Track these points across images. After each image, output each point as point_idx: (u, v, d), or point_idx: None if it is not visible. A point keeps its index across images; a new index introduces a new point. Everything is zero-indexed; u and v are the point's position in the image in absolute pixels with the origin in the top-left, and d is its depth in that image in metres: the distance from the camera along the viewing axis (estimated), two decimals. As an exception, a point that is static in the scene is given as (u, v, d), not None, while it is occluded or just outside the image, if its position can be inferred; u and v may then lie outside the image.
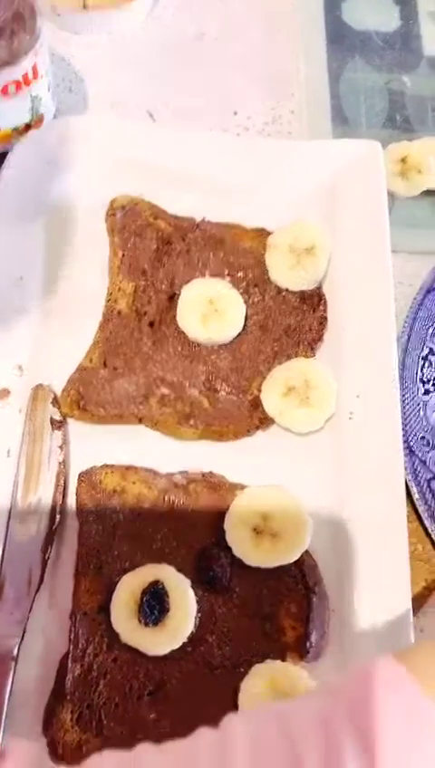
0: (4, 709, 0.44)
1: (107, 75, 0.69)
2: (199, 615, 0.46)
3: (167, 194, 0.59)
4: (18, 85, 0.57)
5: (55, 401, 0.53)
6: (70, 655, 0.45)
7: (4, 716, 0.43)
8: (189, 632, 0.45)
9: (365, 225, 0.57)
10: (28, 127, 0.60)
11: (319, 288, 0.56)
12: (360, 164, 0.59)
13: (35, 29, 0.56)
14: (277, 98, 0.70)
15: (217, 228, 0.58)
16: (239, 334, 0.55)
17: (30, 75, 0.57)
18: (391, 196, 0.62)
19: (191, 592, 0.46)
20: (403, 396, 0.54)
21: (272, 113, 0.69)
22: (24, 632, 0.46)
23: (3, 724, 0.43)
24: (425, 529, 0.51)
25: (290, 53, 0.71)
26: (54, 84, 0.63)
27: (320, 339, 0.55)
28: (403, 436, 0.51)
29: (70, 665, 0.45)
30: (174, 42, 0.71)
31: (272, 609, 0.47)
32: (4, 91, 0.56)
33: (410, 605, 0.46)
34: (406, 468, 0.51)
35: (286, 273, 0.56)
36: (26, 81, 0.57)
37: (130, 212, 0.57)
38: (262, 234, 0.57)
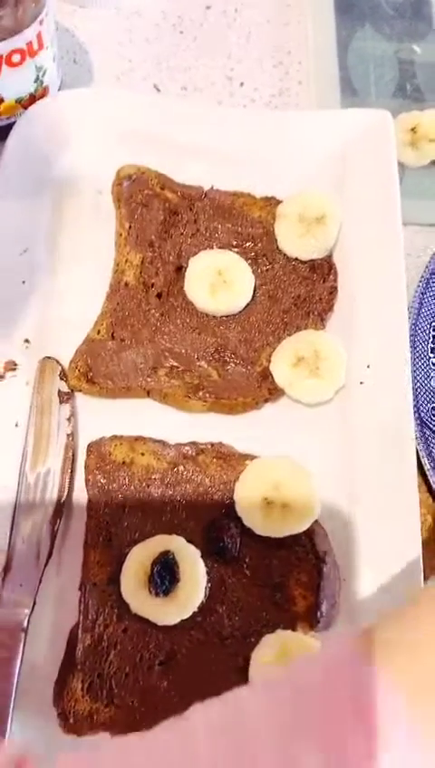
0: (15, 680, 0.44)
1: (112, 47, 0.68)
2: (209, 585, 0.46)
3: (174, 166, 0.59)
4: (23, 55, 0.56)
5: (63, 374, 0.52)
6: (80, 625, 0.45)
7: (15, 687, 0.43)
8: (200, 602, 0.45)
9: (376, 195, 0.56)
10: (33, 98, 0.60)
11: (329, 257, 0.55)
12: (370, 133, 0.58)
13: (40, -4, 0.55)
14: (285, 69, 0.69)
15: (226, 197, 0.57)
16: (248, 305, 0.54)
17: (35, 45, 0.56)
18: (401, 166, 0.61)
19: (201, 563, 0.46)
20: (414, 366, 0.53)
21: (279, 85, 0.68)
22: (33, 604, 0.46)
23: (14, 694, 0.43)
24: (436, 500, 0.51)
25: (298, 23, 0.70)
26: (59, 56, 0.62)
27: (330, 309, 0.54)
28: (414, 406, 0.50)
29: (80, 635, 0.45)
30: (180, 13, 0.70)
31: (282, 578, 0.47)
32: (9, 60, 0.55)
33: (421, 574, 0.46)
34: (417, 439, 0.50)
35: (296, 243, 0.55)
36: (31, 52, 0.56)
37: (136, 181, 0.57)
38: (271, 202, 0.57)
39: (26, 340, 0.53)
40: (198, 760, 0.30)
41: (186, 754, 0.31)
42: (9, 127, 0.58)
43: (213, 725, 0.31)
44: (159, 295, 0.54)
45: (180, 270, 0.55)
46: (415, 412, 0.51)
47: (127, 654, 0.45)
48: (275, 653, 0.44)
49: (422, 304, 0.56)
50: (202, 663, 0.45)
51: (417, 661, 0.32)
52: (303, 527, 0.47)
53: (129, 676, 0.45)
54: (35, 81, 0.59)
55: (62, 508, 0.48)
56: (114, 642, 0.45)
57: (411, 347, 0.53)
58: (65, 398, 0.52)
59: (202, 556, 0.46)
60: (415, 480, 0.48)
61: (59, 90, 0.63)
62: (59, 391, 0.52)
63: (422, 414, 0.52)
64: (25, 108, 0.59)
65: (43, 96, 0.60)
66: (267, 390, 0.52)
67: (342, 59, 0.68)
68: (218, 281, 0.53)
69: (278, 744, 0.30)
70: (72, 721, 0.44)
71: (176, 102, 0.63)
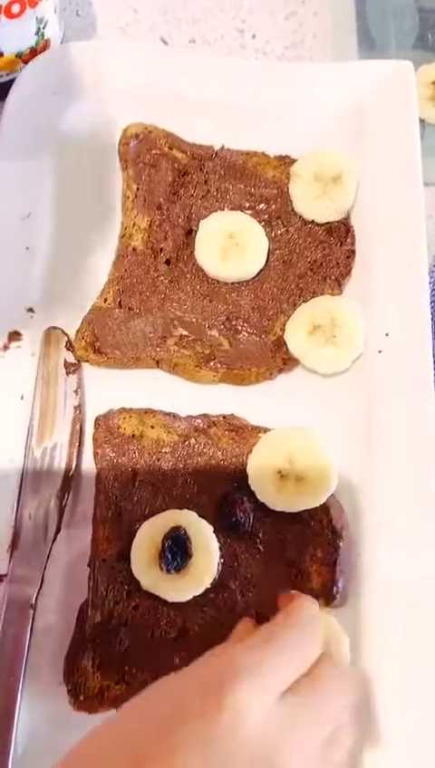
0: (25, 657, 0.43)
1: (116, -2, 0.65)
2: (222, 561, 0.45)
3: (183, 123, 0.56)
4: (22, 5, 0.53)
5: (69, 344, 0.50)
6: (90, 602, 0.44)
7: (24, 664, 0.43)
8: (212, 578, 0.44)
9: (395, 153, 0.53)
10: (34, 52, 0.57)
11: (346, 219, 0.53)
12: (389, 86, 0.55)
13: None
14: (299, 20, 0.65)
15: (237, 156, 0.54)
16: (261, 270, 0.52)
17: (34, -6, 0.53)
18: (422, 122, 0.58)
19: (214, 538, 0.44)
20: (435, 334, 0.51)
21: (293, 37, 0.65)
22: (42, 580, 0.45)
23: (24, 671, 0.43)
24: (457, 473, 0.49)
25: (313, -29, 0.66)
26: (61, 7, 0.59)
27: (347, 273, 0.52)
28: (435, 375, 0.48)
29: (90, 612, 0.44)
30: (188, -39, 0.66)
31: (297, 554, 0.45)
32: (8, 10, 0.52)
33: (440, 550, 0.44)
34: (438, 409, 0.48)
35: (312, 204, 0.52)
36: (31, 2, 0.53)
37: (144, 141, 0.54)
38: (285, 162, 0.54)
39: (30, 310, 0.51)
40: None
41: None
42: (9, 83, 0.56)
43: None
44: (167, 261, 0.52)
45: (190, 234, 0.53)
46: (436, 382, 0.49)
47: (138, 631, 0.44)
48: (290, 630, 0.43)
49: (444, 269, 0.54)
50: (215, 640, 0.43)
51: None
52: (318, 501, 0.45)
53: (140, 653, 0.44)
54: (36, 34, 0.56)
55: (69, 483, 0.47)
56: (125, 619, 0.44)
57: (432, 314, 0.51)
58: (72, 369, 0.50)
59: (215, 531, 0.45)
60: (435, 452, 0.47)
61: (61, 43, 0.60)
62: (65, 362, 0.50)
63: (443, 384, 0.50)
64: (26, 62, 0.56)
65: (44, 50, 0.58)
66: (281, 360, 0.50)
67: (359, 9, 0.64)
68: (230, 244, 0.51)
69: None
70: (82, 698, 0.43)
71: (184, 55, 0.60)
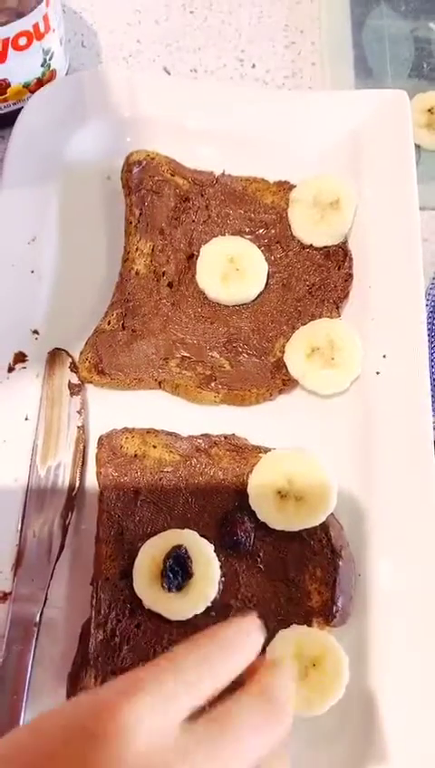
0: (28, 675, 0.43)
1: (121, 29, 0.67)
2: (223, 580, 0.45)
3: (185, 150, 0.57)
4: (29, 37, 0.54)
5: (73, 365, 0.51)
6: (92, 621, 0.45)
7: (27, 682, 0.43)
8: (213, 597, 0.44)
9: (392, 179, 0.55)
10: (40, 82, 0.58)
11: (344, 244, 0.54)
12: (386, 114, 0.57)
13: (45, -22, 0.53)
14: (298, 49, 0.67)
15: (238, 182, 0.56)
16: (261, 293, 0.53)
17: (41, 27, 0.55)
18: (418, 148, 0.60)
19: (215, 557, 0.45)
20: (431, 356, 0.52)
21: (292, 66, 0.66)
22: (45, 599, 0.45)
23: (27, 690, 0.43)
24: (455, 492, 0.50)
25: (310, 2, 0.68)
26: (67, 39, 0.61)
27: (345, 296, 0.53)
28: (432, 396, 0.49)
29: (93, 631, 0.44)
30: (190, -7, 0.68)
31: (297, 573, 0.46)
32: (15, 43, 0.54)
33: (440, 569, 0.45)
34: (435, 429, 0.49)
35: (310, 229, 0.53)
36: (37, 34, 0.55)
37: (146, 167, 0.55)
38: (284, 187, 0.55)
39: (35, 332, 0.52)
40: None
41: None
42: (17, 112, 0.57)
43: None
44: (170, 284, 0.53)
45: (192, 258, 0.54)
46: (433, 402, 0.49)
47: (140, 649, 0.44)
48: (291, 649, 0.43)
49: (440, 291, 0.55)
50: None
51: None
52: (318, 521, 0.46)
53: (142, 671, 0.44)
54: (42, 65, 0.58)
55: (73, 502, 0.48)
56: (127, 638, 0.45)
57: (429, 335, 0.52)
58: (76, 389, 0.51)
59: (215, 550, 0.45)
60: (433, 472, 0.47)
61: (67, 73, 0.61)
62: (69, 383, 0.51)
63: (440, 404, 0.51)
64: (33, 92, 0.58)
65: (50, 80, 0.59)
66: (281, 381, 0.51)
67: (356, 38, 0.66)
68: (230, 269, 0.52)
69: None
70: (85, 717, 0.43)
71: (186, 84, 0.61)
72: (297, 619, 0.45)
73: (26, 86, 0.58)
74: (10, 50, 0.54)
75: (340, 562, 0.45)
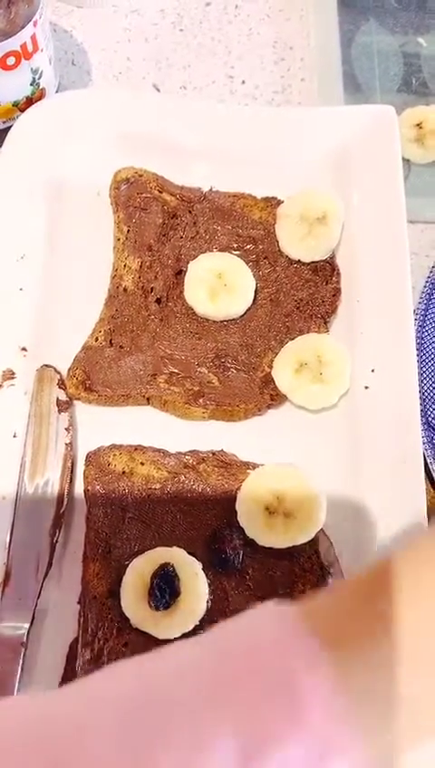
0: (15, 695, 0.43)
1: (111, 47, 0.67)
2: (211, 598, 0.45)
3: (173, 167, 0.57)
4: (17, 57, 0.55)
5: (61, 382, 0.51)
6: (79, 640, 0.44)
7: (14, 702, 0.43)
8: (201, 615, 0.44)
9: (380, 193, 0.55)
10: (30, 101, 0.59)
11: (332, 258, 0.54)
12: (374, 130, 0.57)
13: (34, -1, 0.54)
14: (287, 66, 0.67)
15: (225, 198, 0.56)
16: (249, 309, 0.53)
17: (29, 47, 0.55)
18: (407, 162, 0.60)
19: (202, 575, 0.45)
20: (421, 370, 0.52)
21: (281, 82, 0.67)
22: (33, 617, 0.45)
23: (13, 709, 0.43)
24: (445, 507, 0.50)
25: (300, 18, 0.69)
26: (56, 57, 0.61)
27: (333, 311, 0.53)
28: (421, 411, 0.49)
29: (80, 650, 0.44)
30: (180, 11, 0.69)
31: (286, 590, 0.45)
32: (3, 63, 0.54)
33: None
34: (424, 444, 0.49)
35: (298, 244, 0.53)
36: (26, 54, 0.55)
37: (134, 184, 0.55)
38: (272, 203, 0.55)
39: (23, 348, 0.52)
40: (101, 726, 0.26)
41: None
42: (6, 131, 0.58)
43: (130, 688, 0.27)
44: (158, 300, 0.53)
45: (180, 274, 0.54)
46: (422, 417, 0.49)
47: (127, 669, 0.44)
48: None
49: (429, 305, 0.55)
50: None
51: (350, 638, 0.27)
52: (307, 537, 0.46)
53: (129, 691, 0.44)
54: (32, 84, 0.58)
55: (61, 519, 0.48)
56: (115, 657, 0.44)
57: (418, 349, 0.52)
58: (64, 406, 0.51)
59: (204, 568, 0.45)
60: (423, 487, 0.47)
61: (57, 91, 0.62)
62: (57, 400, 0.51)
63: (430, 419, 0.51)
64: (22, 111, 0.58)
65: (40, 98, 0.59)
66: (269, 396, 0.50)
67: (345, 54, 0.66)
68: (219, 284, 0.52)
69: (191, 718, 0.25)
70: (71, 738, 0.43)
71: (174, 101, 0.62)
72: (286, 638, 0.44)
73: (16, 105, 0.58)
74: (-2, 69, 0.55)
75: (329, 579, 0.45)
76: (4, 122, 0.58)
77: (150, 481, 0.48)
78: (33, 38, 0.55)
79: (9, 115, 0.58)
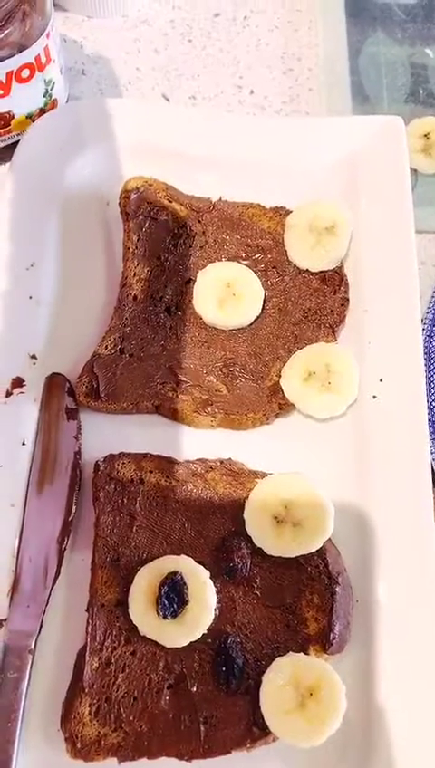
0: (23, 702, 0.43)
1: (121, 57, 0.68)
2: (219, 606, 0.45)
3: (183, 176, 0.58)
4: (32, 69, 0.55)
5: (70, 390, 0.52)
6: (87, 648, 0.44)
7: (22, 710, 0.43)
8: (209, 624, 0.44)
9: (388, 203, 0.55)
10: (42, 112, 0.59)
11: (340, 268, 0.54)
12: (381, 140, 0.57)
13: (46, 10, 0.54)
14: (295, 76, 0.68)
15: (234, 208, 0.56)
16: (258, 318, 0.53)
17: (42, 58, 0.56)
18: (414, 173, 0.60)
19: (210, 583, 0.45)
20: (428, 379, 0.52)
21: (289, 92, 0.67)
22: (41, 625, 0.45)
23: (22, 717, 0.43)
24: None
25: (308, 30, 0.69)
26: (67, 68, 0.62)
27: (341, 321, 0.53)
28: (429, 420, 0.49)
29: (88, 658, 0.44)
30: (189, 22, 0.70)
31: (294, 600, 0.45)
32: (18, 76, 0.55)
33: (438, 596, 0.44)
34: (432, 453, 0.49)
35: (306, 254, 0.54)
36: (39, 66, 0.56)
37: (144, 194, 0.56)
38: (281, 213, 0.56)
39: (33, 357, 0.53)
40: None
41: None
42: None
43: None
44: (167, 309, 0.54)
45: (189, 283, 0.54)
46: (430, 426, 0.49)
47: (135, 677, 0.44)
48: (287, 677, 0.43)
49: (437, 315, 0.55)
50: (212, 687, 0.44)
51: None
52: (315, 547, 0.46)
53: (137, 699, 0.44)
54: (45, 95, 0.59)
55: (69, 527, 0.48)
56: (122, 665, 0.44)
57: (426, 359, 0.52)
58: (73, 414, 0.51)
59: (212, 576, 0.45)
60: (431, 496, 0.47)
61: (67, 101, 0.62)
62: (66, 408, 0.51)
63: (438, 428, 0.51)
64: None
65: (52, 109, 0.60)
66: (278, 405, 0.51)
67: (353, 64, 0.67)
68: (227, 294, 0.53)
69: None
70: (79, 746, 0.43)
71: (184, 111, 0.62)
72: (294, 647, 0.44)
73: (29, 117, 0.58)
74: (13, 82, 0.55)
75: (337, 589, 0.45)
76: (18, 135, 0.59)
77: (159, 489, 0.48)
78: (47, 50, 0.55)
79: (23, 127, 0.59)
